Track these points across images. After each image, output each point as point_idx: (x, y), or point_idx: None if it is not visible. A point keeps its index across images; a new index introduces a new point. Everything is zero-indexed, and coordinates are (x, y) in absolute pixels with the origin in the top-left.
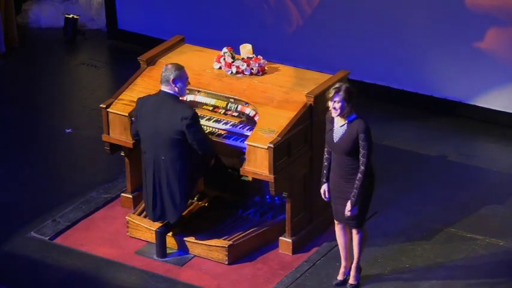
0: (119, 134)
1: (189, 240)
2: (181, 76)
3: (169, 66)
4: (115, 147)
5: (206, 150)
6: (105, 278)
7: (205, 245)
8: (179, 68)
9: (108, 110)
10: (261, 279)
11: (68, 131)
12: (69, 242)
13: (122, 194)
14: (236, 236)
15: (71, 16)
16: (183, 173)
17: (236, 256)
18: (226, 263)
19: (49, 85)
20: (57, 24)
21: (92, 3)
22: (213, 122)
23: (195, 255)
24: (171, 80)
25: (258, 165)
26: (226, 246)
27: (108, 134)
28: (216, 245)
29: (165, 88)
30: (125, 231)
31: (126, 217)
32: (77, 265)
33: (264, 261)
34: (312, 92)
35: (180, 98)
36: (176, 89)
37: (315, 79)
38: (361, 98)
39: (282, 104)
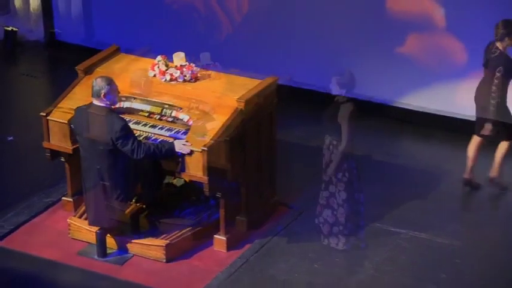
0: (59, 141)
1: (128, 240)
2: (112, 89)
3: (99, 80)
4: (55, 154)
5: (139, 158)
6: (49, 279)
7: (144, 244)
8: (109, 82)
9: (48, 117)
10: (197, 275)
11: (10, 138)
12: (12, 245)
13: (63, 198)
14: (173, 235)
15: (10, 29)
16: (120, 180)
17: (173, 254)
18: (164, 261)
19: None
20: None
21: (30, 15)
22: (149, 127)
23: (135, 254)
24: (102, 95)
25: (193, 167)
26: (164, 245)
27: (49, 140)
28: (154, 244)
29: (96, 101)
30: (67, 233)
31: (68, 220)
32: (21, 267)
33: (200, 258)
34: (242, 97)
35: (113, 107)
36: (108, 102)
37: (245, 84)
38: (290, 101)
39: (215, 109)
